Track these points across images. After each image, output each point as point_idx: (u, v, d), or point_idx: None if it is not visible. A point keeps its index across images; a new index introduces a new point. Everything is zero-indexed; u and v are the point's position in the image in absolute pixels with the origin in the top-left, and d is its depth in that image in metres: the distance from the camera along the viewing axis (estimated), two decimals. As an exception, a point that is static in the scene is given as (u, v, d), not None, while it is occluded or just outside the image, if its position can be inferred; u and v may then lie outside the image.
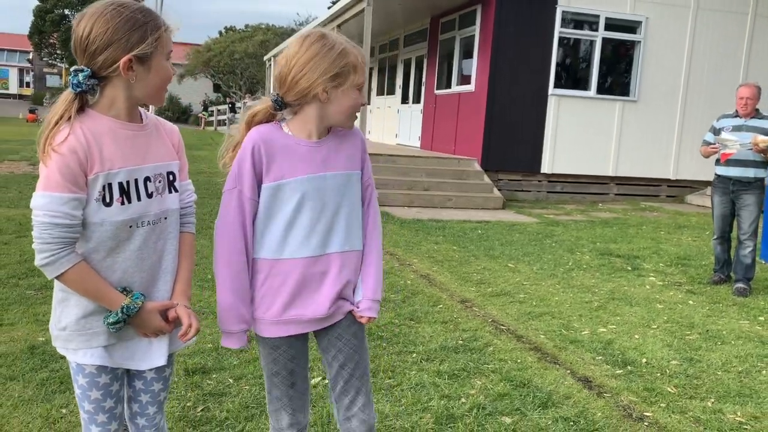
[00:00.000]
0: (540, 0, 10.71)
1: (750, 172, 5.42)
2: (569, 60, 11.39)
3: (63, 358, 3.15)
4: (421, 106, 14.01)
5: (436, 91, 13.07)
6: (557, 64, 10.96)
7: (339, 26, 12.55)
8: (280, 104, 1.77)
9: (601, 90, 11.28)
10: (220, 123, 31.86)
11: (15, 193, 8.40)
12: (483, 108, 10.92)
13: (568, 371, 3.46)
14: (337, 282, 1.83)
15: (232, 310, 1.75)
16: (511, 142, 10.93)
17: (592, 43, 11.18)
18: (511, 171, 11.18)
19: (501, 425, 2.77)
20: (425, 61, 13.79)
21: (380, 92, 17.15)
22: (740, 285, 5.38)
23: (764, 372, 3.61)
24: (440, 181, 10.30)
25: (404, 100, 15.29)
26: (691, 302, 5.06)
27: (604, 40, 11.15)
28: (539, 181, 11.37)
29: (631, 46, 11.34)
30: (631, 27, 11.23)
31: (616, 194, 11.66)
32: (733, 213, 5.53)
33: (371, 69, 17.05)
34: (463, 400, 3.00)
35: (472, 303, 4.67)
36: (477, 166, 10.90)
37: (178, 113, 42.35)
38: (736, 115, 5.53)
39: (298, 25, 39.28)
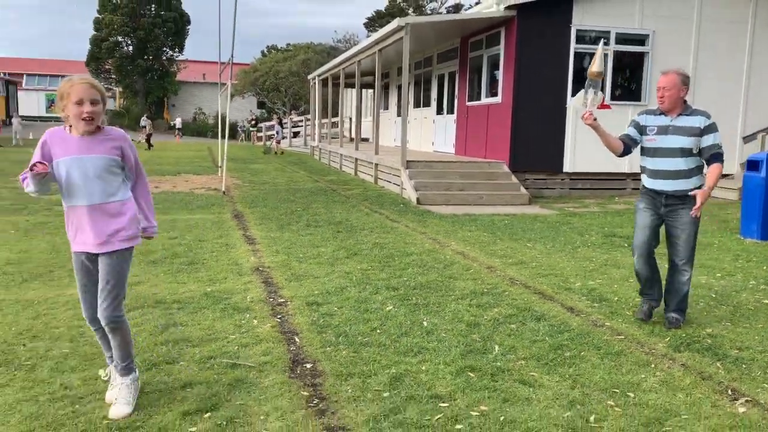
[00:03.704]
0: (556, 21, 12.27)
1: (683, 184, 4.36)
2: (584, 72, 12.88)
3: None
4: (454, 116, 15.65)
5: (468, 103, 14.69)
6: (573, 75, 12.47)
7: (380, 50, 14.29)
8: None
9: (614, 97, 12.74)
10: (268, 138, 34.01)
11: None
12: (509, 117, 12.50)
13: (559, 303, 5.06)
14: (96, 226, 2.93)
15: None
16: (535, 145, 12.48)
17: (604, 56, 12.65)
18: (536, 171, 12.72)
19: (508, 328, 4.40)
20: (457, 76, 15.43)
21: (417, 104, 18.85)
22: (673, 315, 4.56)
23: (702, 303, 5.14)
24: (473, 182, 11.91)
25: (439, 111, 16.95)
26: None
27: (616, 53, 12.62)
28: (562, 179, 12.88)
29: (640, 56, 12.78)
30: (640, 40, 12.67)
31: (633, 188, 13.06)
32: (658, 227, 4.55)
33: (408, 84, 18.79)
34: (485, 317, 4.64)
35: (496, 268, 6.29)
36: (505, 168, 12.47)
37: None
38: (661, 112, 4.44)
39: (336, 42, 41.34)
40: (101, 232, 2.96)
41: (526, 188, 12.24)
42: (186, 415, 2.96)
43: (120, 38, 47.24)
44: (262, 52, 49.60)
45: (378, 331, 4.27)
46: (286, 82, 37.53)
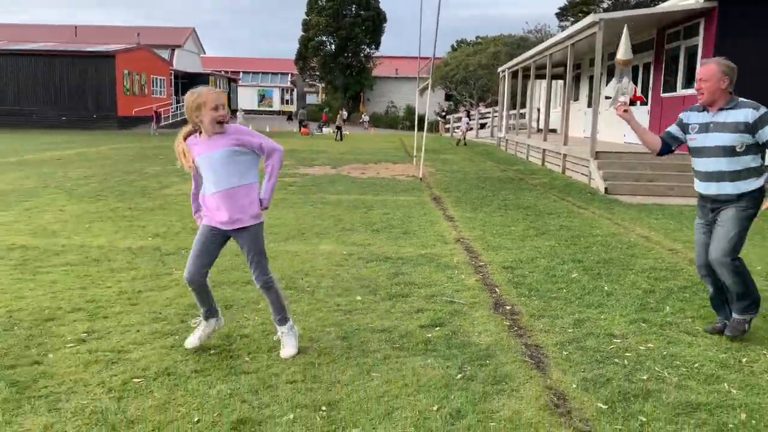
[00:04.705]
0: (762, 9, 11.86)
1: (728, 187, 3.90)
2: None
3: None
4: (647, 107, 15.57)
5: (662, 94, 14.59)
6: (782, 65, 11.96)
7: (573, 45, 14.74)
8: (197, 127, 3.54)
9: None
10: (455, 129, 35.37)
11: (342, 186, 12.17)
12: (706, 109, 12.35)
13: (735, 282, 5.53)
14: (227, 207, 3.50)
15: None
16: (733, 138, 12.20)
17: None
18: (733, 164, 12.42)
19: (680, 296, 5.04)
20: (652, 67, 15.33)
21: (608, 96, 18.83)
22: (736, 317, 4.04)
23: None
24: (664, 174, 12.03)
25: (632, 102, 16.85)
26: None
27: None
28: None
29: None
30: None
31: None
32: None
33: (600, 75, 18.86)
34: (660, 287, 5.31)
35: (678, 251, 6.80)
36: (699, 160, 12.36)
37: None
38: (704, 108, 4.02)
39: (527, 33, 41.43)
40: (232, 212, 3.51)
41: (722, 181, 12.05)
42: (422, 327, 4.16)
43: (324, 38, 51.54)
44: (452, 46, 51.21)
45: (564, 290, 5.17)
46: (475, 75, 38.64)
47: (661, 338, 4.04)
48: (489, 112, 33.72)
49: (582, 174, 13.47)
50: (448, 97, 49.28)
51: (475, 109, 35.16)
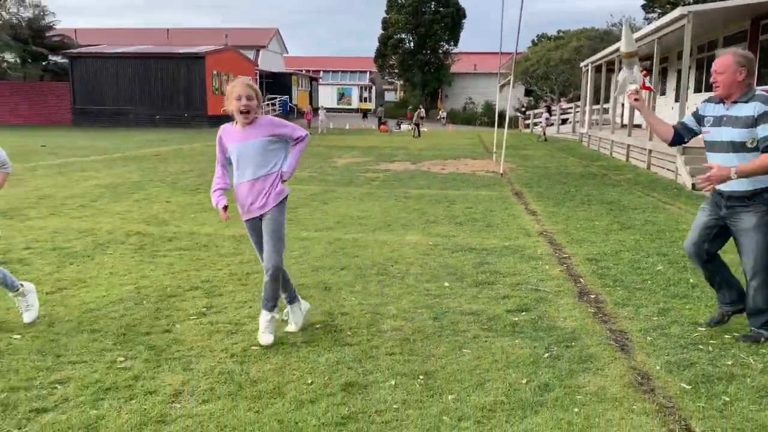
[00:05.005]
0: None
1: (739, 184, 3.72)
2: None
3: (524, 249, 6.27)
4: (740, 101, 14.99)
5: (756, 87, 14.03)
6: None
7: (659, 38, 14.41)
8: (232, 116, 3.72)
9: None
10: (535, 125, 34.95)
11: (424, 181, 12.48)
12: (804, 102, 11.83)
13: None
14: (258, 194, 3.71)
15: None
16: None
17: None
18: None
19: None
20: (746, 59, 14.75)
21: (698, 89, 18.21)
22: (753, 330, 3.95)
23: None
24: (756, 170, 11.61)
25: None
26: None
27: None
28: None
29: None
30: None
31: None
32: (715, 230, 3.97)
33: (689, 68, 18.25)
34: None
35: None
36: (796, 156, 11.85)
37: (493, 117, 46.76)
38: (719, 100, 3.86)
39: (611, 26, 40.31)
40: (260, 198, 3.73)
41: (821, 177, 11.52)
42: (509, 311, 4.41)
43: (403, 35, 52.03)
44: (533, 41, 50.48)
45: (649, 282, 5.27)
46: (557, 69, 37.98)
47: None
48: (570, 108, 33.11)
49: (668, 170, 13.18)
50: (528, 93, 48.65)
51: (556, 104, 34.61)
